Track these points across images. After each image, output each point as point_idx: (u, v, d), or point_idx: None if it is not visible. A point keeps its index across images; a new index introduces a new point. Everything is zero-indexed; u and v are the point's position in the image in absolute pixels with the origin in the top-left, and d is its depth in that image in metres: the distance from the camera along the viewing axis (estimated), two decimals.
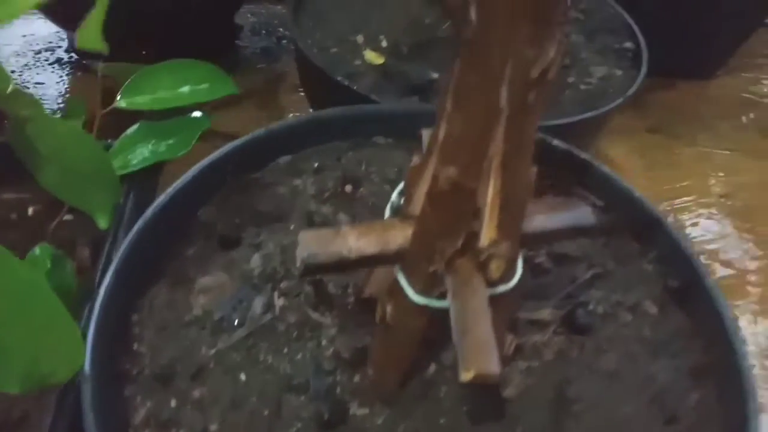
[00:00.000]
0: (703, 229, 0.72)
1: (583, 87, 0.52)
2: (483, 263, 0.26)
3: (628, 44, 0.57)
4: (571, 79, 0.52)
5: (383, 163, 0.44)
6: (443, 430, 0.30)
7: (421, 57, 0.53)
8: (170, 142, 0.43)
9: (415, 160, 0.27)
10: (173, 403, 0.30)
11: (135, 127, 0.45)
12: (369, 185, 0.42)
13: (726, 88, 1.03)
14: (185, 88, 0.45)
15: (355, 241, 0.27)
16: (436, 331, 0.32)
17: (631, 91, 0.49)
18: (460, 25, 0.20)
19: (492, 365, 0.23)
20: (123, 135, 0.44)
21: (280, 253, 0.37)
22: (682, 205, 0.76)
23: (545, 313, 0.35)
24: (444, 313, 0.27)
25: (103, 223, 0.40)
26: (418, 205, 0.27)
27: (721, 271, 0.66)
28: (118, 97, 0.45)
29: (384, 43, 0.54)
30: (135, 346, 0.32)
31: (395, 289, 0.28)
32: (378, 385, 0.31)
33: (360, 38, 0.54)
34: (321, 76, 0.49)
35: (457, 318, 0.24)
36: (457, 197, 0.24)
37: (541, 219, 0.28)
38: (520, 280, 0.28)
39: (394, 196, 0.30)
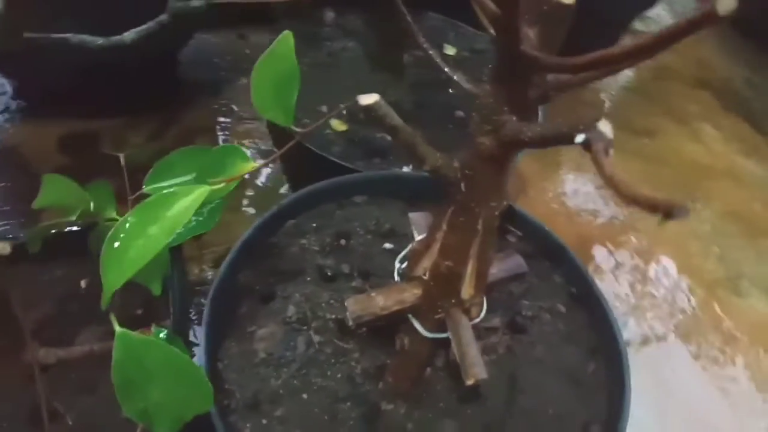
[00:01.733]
0: (586, 213, 0.94)
1: None
2: (466, 309, 0.41)
3: None
4: None
5: (363, 218, 0.58)
6: (442, 410, 0.46)
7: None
8: (200, 218, 0.55)
9: (416, 244, 0.43)
10: (264, 422, 0.44)
11: None
12: (356, 237, 0.56)
13: (593, 88, 1.25)
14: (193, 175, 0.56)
15: (383, 302, 0.42)
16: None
17: None
18: (453, 190, 0.35)
19: (483, 373, 0.39)
20: None
21: (305, 301, 0.51)
22: (567, 194, 0.97)
23: (495, 321, 0.51)
24: (441, 339, 0.42)
25: (157, 290, 0.51)
26: (420, 271, 0.42)
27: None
28: (144, 186, 0.55)
29: (344, 111, 0.67)
30: (226, 386, 0.45)
31: (410, 329, 0.43)
32: (397, 389, 0.46)
33: (324, 108, 0.67)
34: (300, 146, 0.62)
35: (456, 346, 0.40)
36: (451, 275, 0.39)
37: (494, 271, 0.45)
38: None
39: (398, 264, 0.45)
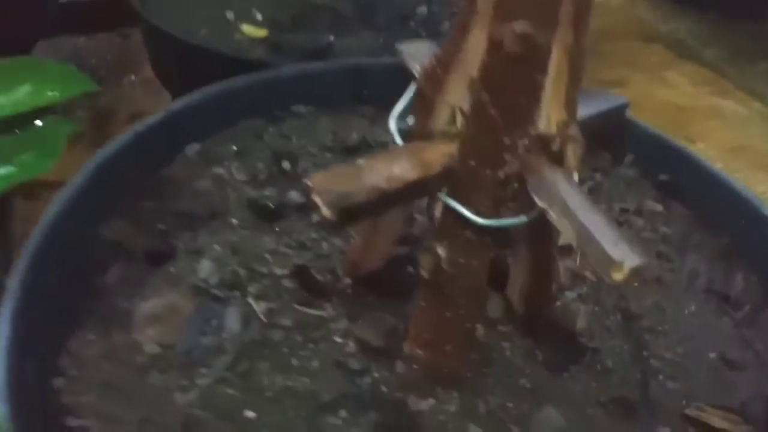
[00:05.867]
0: None
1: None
2: (557, 155, 0.20)
3: None
4: None
5: (312, 133, 0.36)
6: (529, 392, 0.23)
7: (308, 25, 0.47)
8: (25, 157, 0.31)
9: (429, 65, 0.21)
10: None
11: None
12: (308, 158, 0.34)
13: None
14: (25, 87, 0.34)
15: (386, 171, 0.20)
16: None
17: None
18: None
19: (641, 253, 0.17)
20: None
21: (233, 254, 0.28)
22: None
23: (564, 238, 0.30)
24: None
25: None
26: (442, 116, 0.21)
27: None
28: None
29: (259, 17, 0.47)
30: (71, 421, 0.21)
31: (446, 226, 0.21)
32: (434, 367, 0.23)
33: (230, 14, 0.46)
34: (203, 54, 0.40)
35: (568, 223, 0.18)
36: (526, 61, 0.18)
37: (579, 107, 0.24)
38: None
39: (394, 120, 0.24)
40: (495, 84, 0.19)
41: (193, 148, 0.34)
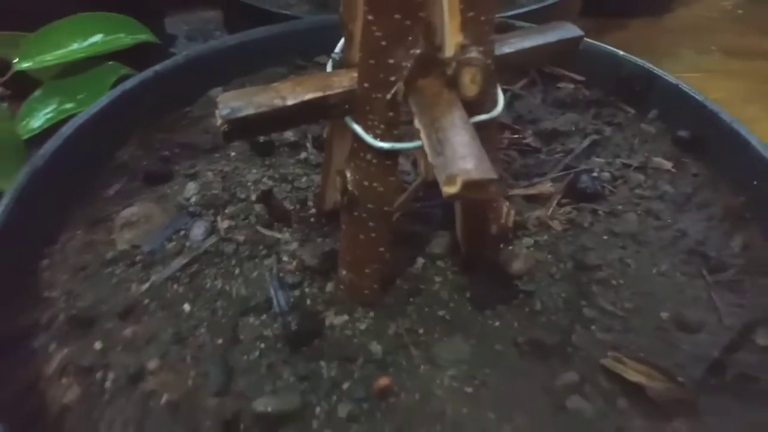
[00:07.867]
0: None
1: None
2: (452, 79, 0.20)
3: None
4: None
5: None
6: (444, 323, 0.24)
7: None
8: (80, 96, 0.38)
9: None
10: (98, 345, 0.23)
11: (40, 89, 0.39)
12: None
13: (683, 18, 1.00)
14: (97, 38, 0.40)
15: (289, 90, 0.21)
16: (419, 223, 0.26)
17: None
18: None
19: (484, 168, 0.17)
20: (29, 98, 0.39)
21: (221, 180, 0.31)
22: None
23: (544, 187, 0.29)
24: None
25: (6, 187, 0.34)
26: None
27: None
28: (16, 60, 0.39)
29: None
30: (45, 293, 0.25)
31: (354, 149, 0.22)
32: (356, 288, 0.25)
33: None
34: (254, 11, 0.44)
35: (428, 135, 0.18)
36: None
37: (519, 40, 0.23)
38: (502, 112, 0.22)
39: (338, 49, 0.25)
40: (376, 3, 0.19)
41: (216, 92, 0.37)
